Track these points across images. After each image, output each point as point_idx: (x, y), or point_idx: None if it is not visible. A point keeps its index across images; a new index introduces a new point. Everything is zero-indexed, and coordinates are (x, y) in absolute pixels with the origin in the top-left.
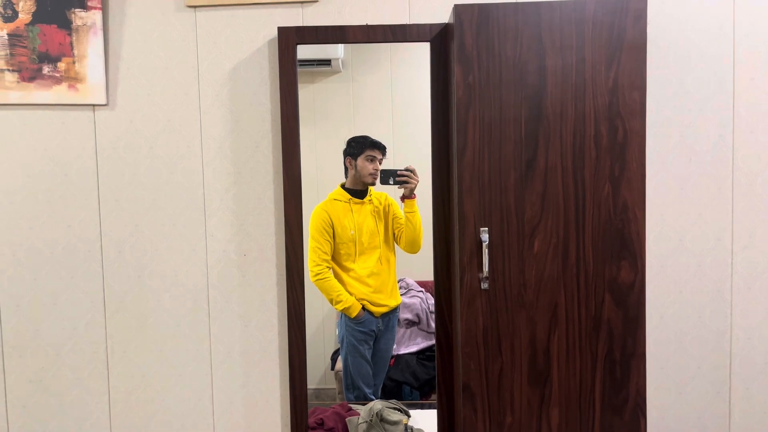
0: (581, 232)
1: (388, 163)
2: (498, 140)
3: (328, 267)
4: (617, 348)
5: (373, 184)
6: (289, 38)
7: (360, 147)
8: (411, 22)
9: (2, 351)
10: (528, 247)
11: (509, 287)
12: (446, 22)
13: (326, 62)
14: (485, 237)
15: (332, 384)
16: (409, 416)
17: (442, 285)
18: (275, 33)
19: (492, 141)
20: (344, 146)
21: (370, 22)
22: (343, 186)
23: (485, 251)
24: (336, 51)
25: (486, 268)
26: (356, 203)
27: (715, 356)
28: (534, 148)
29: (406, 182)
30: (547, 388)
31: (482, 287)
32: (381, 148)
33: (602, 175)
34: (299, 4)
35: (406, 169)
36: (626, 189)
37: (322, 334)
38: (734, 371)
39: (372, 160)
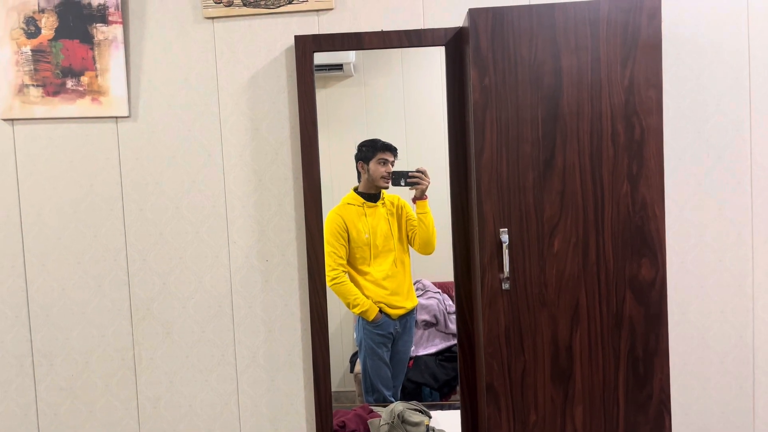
0: (600, 230)
1: (401, 166)
2: (515, 141)
3: (344, 271)
4: (640, 345)
5: (387, 187)
6: (306, 46)
7: (371, 151)
8: (426, 27)
9: (33, 359)
10: (548, 247)
11: (530, 287)
12: (461, 25)
13: (338, 67)
14: (505, 237)
15: (351, 386)
16: (430, 417)
17: (462, 286)
18: (292, 41)
19: (509, 142)
20: (355, 150)
21: (385, 28)
22: (356, 190)
23: (505, 251)
24: (348, 55)
25: (506, 268)
26: (370, 207)
27: (738, 351)
28: (552, 147)
29: (418, 183)
30: (570, 386)
31: (503, 287)
32: (392, 150)
33: (620, 173)
34: (315, 12)
35: (417, 171)
36: (645, 186)
37: (341, 337)
38: (758, 365)
39: (384, 163)
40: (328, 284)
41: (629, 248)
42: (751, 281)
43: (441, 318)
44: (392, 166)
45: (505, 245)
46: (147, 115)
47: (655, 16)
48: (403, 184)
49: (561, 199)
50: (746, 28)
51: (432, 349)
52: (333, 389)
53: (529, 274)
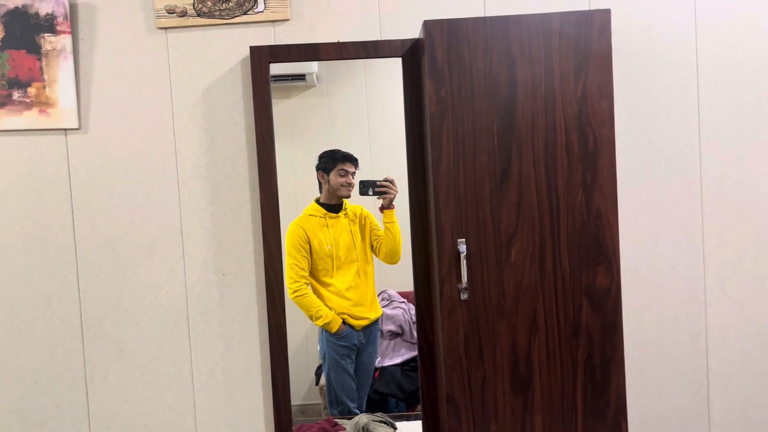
0: (557, 239)
1: (364, 176)
2: (472, 151)
3: (306, 283)
4: (597, 353)
5: (348, 197)
6: (262, 57)
7: (331, 161)
8: (382, 38)
9: None
10: (505, 256)
11: (488, 297)
12: (417, 37)
13: (301, 77)
14: (463, 248)
15: (317, 399)
16: (395, 428)
17: (422, 296)
18: (248, 52)
19: (466, 152)
20: (316, 161)
21: (342, 39)
22: (317, 201)
23: (463, 262)
24: (310, 66)
25: (465, 278)
26: (332, 218)
27: (693, 356)
28: (507, 158)
29: (386, 193)
30: (529, 395)
31: (462, 298)
32: (353, 161)
33: (575, 183)
34: (271, 23)
35: (385, 180)
36: (599, 196)
37: (306, 350)
38: (711, 369)
39: (344, 174)
40: (290, 296)
41: (585, 257)
42: (703, 287)
43: (407, 328)
44: (353, 177)
45: (463, 255)
46: (98, 127)
47: (605, 29)
48: (371, 193)
49: (517, 209)
50: (693, 39)
51: (398, 360)
52: (298, 402)
53: (488, 284)
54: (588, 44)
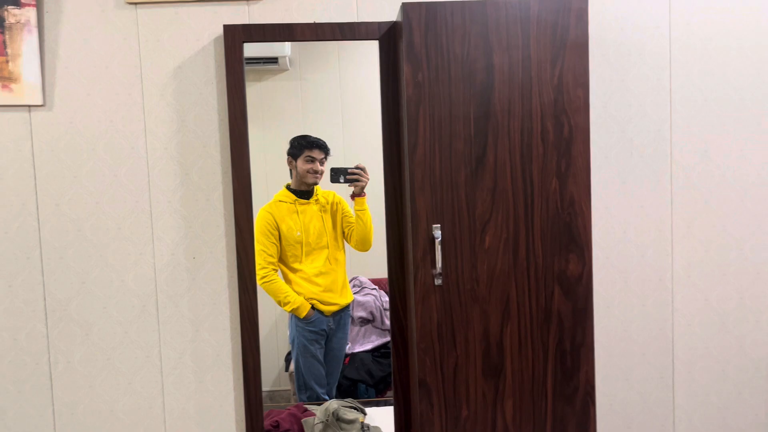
0: (530, 226)
1: (338, 162)
2: (448, 137)
3: (274, 269)
4: (567, 338)
5: (315, 184)
6: (236, 36)
7: (300, 148)
8: (360, 20)
9: None
10: (480, 243)
11: (462, 282)
12: (394, 20)
13: (273, 60)
14: (438, 233)
15: (287, 386)
16: (365, 414)
17: (396, 282)
18: (221, 31)
19: (442, 138)
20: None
21: (318, 20)
22: (288, 187)
23: (438, 248)
24: (283, 49)
25: (439, 264)
26: (302, 204)
27: (659, 343)
28: (483, 144)
29: (357, 180)
30: (501, 380)
31: (436, 283)
32: (322, 147)
33: (549, 171)
34: (245, 2)
35: (357, 167)
36: (573, 183)
37: (276, 336)
38: (677, 356)
39: (311, 160)
40: (258, 283)
41: (558, 244)
42: (671, 275)
43: (377, 314)
44: (321, 164)
45: (437, 241)
46: (64, 104)
47: (582, 17)
48: (342, 180)
49: (492, 196)
50: (667, 31)
51: (368, 346)
52: (268, 389)
53: (461, 270)
54: (565, 32)
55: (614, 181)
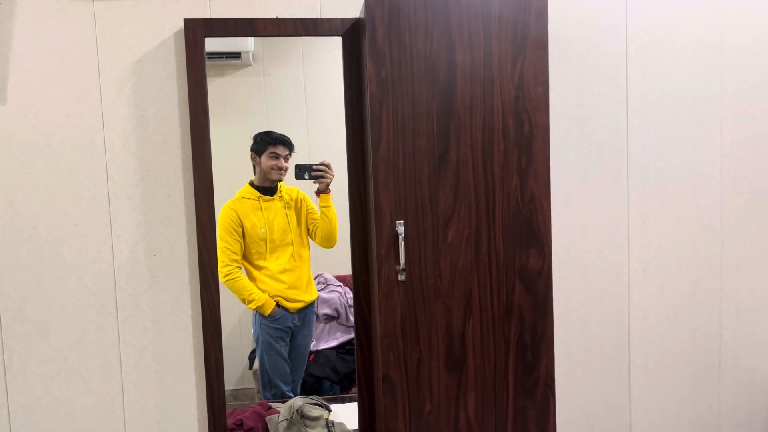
0: (492, 222)
1: (301, 159)
2: (412, 134)
3: (238, 267)
4: (528, 332)
5: (279, 180)
6: (197, 30)
7: (263, 144)
8: (323, 16)
9: None
10: (442, 239)
11: (425, 278)
12: (358, 16)
13: (236, 55)
14: (401, 229)
15: (251, 384)
16: (330, 411)
17: (360, 278)
18: (181, 25)
19: (406, 135)
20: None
21: (281, 15)
22: (251, 183)
23: (401, 243)
24: (246, 44)
25: (402, 260)
26: (266, 200)
27: (616, 336)
28: (446, 141)
29: (322, 177)
30: (463, 375)
31: (399, 279)
32: (286, 144)
33: (510, 167)
34: None
35: (322, 164)
36: (533, 180)
37: (239, 334)
38: (633, 349)
39: (275, 157)
40: (221, 281)
41: (518, 239)
42: (627, 270)
43: (342, 311)
44: (285, 160)
45: (401, 237)
46: (17, 99)
47: (542, 16)
48: (307, 177)
49: (455, 193)
50: (624, 31)
51: (333, 343)
52: (232, 387)
53: (425, 265)
54: (525, 30)
55: (574, 178)
